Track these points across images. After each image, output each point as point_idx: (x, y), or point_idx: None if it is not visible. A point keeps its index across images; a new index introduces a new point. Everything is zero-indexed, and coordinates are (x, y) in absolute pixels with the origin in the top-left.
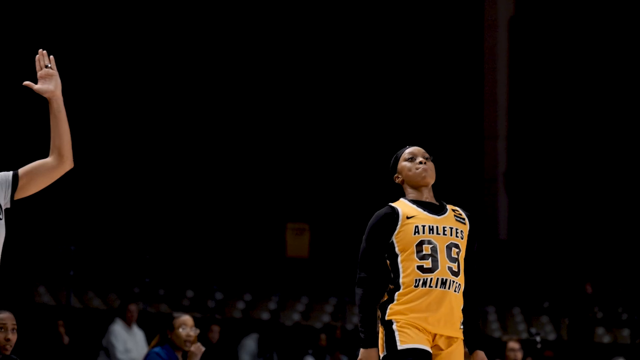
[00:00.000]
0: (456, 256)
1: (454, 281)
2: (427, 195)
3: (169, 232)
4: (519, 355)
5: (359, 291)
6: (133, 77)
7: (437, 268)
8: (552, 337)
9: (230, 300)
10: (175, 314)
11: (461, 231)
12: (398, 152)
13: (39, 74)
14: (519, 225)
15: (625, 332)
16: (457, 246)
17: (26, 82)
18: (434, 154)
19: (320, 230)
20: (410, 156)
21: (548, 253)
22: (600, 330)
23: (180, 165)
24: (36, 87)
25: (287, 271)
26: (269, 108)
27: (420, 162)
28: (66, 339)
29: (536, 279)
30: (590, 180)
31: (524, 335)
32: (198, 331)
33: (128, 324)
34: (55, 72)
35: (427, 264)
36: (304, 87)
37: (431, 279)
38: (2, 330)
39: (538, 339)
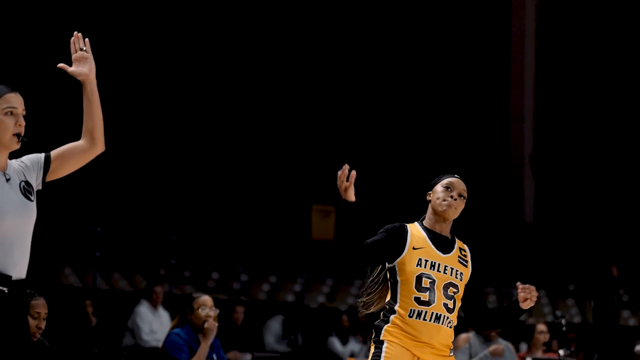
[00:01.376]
0: (452, 294)
1: (447, 317)
2: (443, 227)
3: (194, 214)
4: (547, 337)
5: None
6: (157, 61)
7: (433, 302)
8: (577, 320)
9: (255, 282)
10: (195, 295)
11: (461, 273)
12: (443, 175)
13: (73, 56)
14: (545, 207)
15: None
16: (454, 286)
17: (60, 65)
18: (462, 138)
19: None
20: (448, 185)
21: (574, 236)
22: (625, 313)
23: (207, 147)
24: (70, 69)
25: (313, 253)
26: (296, 90)
27: (452, 197)
28: (94, 320)
29: (562, 261)
30: (617, 162)
31: (549, 318)
32: (217, 311)
33: (154, 305)
34: (89, 55)
35: (425, 296)
36: (331, 70)
37: (426, 312)
38: (36, 318)
39: (563, 321)
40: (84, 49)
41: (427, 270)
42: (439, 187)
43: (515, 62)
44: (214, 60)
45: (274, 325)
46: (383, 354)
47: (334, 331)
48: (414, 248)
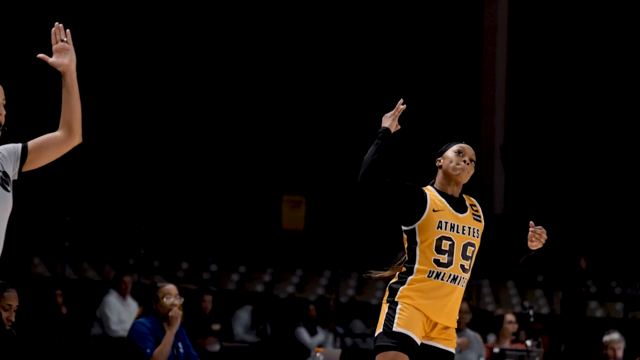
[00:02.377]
0: (470, 254)
1: (463, 277)
2: (454, 190)
3: (164, 203)
4: (515, 327)
5: (361, 171)
6: (128, 52)
7: (451, 264)
8: (545, 310)
9: (224, 272)
10: (159, 284)
11: (477, 230)
12: (451, 142)
13: (54, 47)
14: (515, 199)
15: (618, 307)
16: (472, 245)
17: (40, 55)
18: (431, 126)
19: (316, 203)
20: (459, 150)
21: (544, 227)
22: (593, 304)
23: (177, 137)
24: (50, 60)
25: (282, 244)
26: (264, 81)
27: (465, 161)
28: (64, 309)
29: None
30: (587, 154)
31: (517, 309)
32: (182, 300)
33: (122, 295)
34: (70, 46)
35: (444, 259)
36: (300, 60)
37: (444, 273)
38: (7, 310)
39: (531, 312)
40: (65, 40)
41: (448, 233)
42: (450, 153)
43: (487, 55)
44: (183, 51)
45: (243, 315)
46: (397, 315)
47: (302, 321)
48: (434, 210)
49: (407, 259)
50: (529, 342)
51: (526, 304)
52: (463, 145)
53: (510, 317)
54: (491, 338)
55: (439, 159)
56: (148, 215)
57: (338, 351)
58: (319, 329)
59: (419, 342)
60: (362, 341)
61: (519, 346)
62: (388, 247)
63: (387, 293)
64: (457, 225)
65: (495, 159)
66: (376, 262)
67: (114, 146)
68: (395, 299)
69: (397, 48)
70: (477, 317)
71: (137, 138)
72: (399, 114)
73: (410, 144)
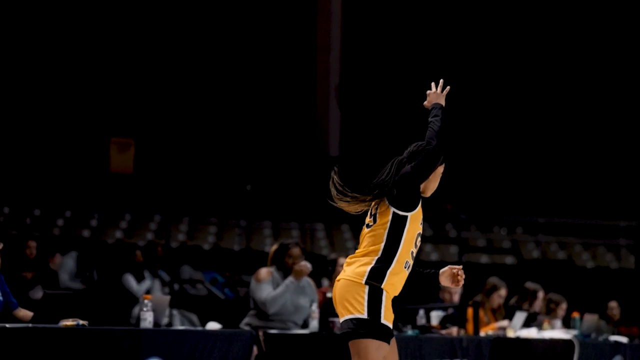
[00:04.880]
0: (419, 243)
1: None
2: None
3: None
4: None
5: (431, 151)
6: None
7: (414, 257)
8: None
9: (49, 217)
10: None
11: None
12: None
13: None
14: (351, 141)
15: (453, 249)
16: (420, 234)
17: None
18: (264, 70)
19: (146, 146)
20: (442, 170)
21: (378, 169)
22: (428, 247)
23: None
24: None
25: (110, 187)
26: (92, 28)
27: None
28: None
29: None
30: (422, 94)
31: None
32: (1, 245)
33: None
34: None
35: (414, 252)
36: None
37: (410, 265)
38: None
39: None
40: None
41: (420, 228)
42: (440, 171)
43: None
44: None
45: (68, 262)
46: (383, 305)
47: (129, 268)
48: (421, 205)
49: (385, 244)
50: None
51: None
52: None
53: (342, 260)
54: (325, 283)
55: None
56: None
57: (167, 298)
58: (146, 276)
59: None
60: (191, 287)
61: None
62: (221, 191)
63: (366, 274)
64: (422, 218)
65: (330, 100)
66: (208, 208)
67: None
68: (382, 286)
69: None
70: (310, 261)
71: None
72: (446, 93)
73: (244, 86)
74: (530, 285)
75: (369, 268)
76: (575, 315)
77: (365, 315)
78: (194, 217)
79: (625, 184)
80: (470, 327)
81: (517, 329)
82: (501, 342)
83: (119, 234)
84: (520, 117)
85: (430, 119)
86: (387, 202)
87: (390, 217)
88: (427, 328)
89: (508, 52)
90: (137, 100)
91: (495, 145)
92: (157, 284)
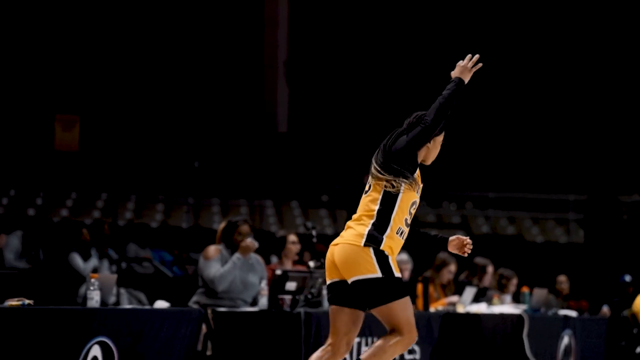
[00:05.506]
0: (413, 211)
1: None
2: None
3: None
4: (298, 248)
5: (436, 116)
6: None
7: (409, 224)
8: (329, 231)
9: None
10: None
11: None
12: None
13: None
14: (299, 116)
15: None
16: (416, 203)
17: None
18: (211, 46)
19: (92, 123)
20: (442, 140)
21: (327, 145)
22: None
23: None
24: None
25: (56, 165)
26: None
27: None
28: None
29: (315, 172)
30: (370, 69)
31: (301, 230)
32: None
33: None
34: None
35: (409, 220)
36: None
37: (405, 232)
38: None
39: (314, 232)
40: None
41: (417, 197)
42: (439, 140)
43: None
44: None
45: (13, 241)
46: (390, 261)
47: (76, 246)
48: (419, 173)
49: (378, 208)
50: (311, 263)
51: (309, 224)
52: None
53: (292, 237)
54: (274, 260)
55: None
56: None
57: (114, 276)
58: (93, 254)
59: None
60: (138, 265)
61: (302, 267)
62: (168, 168)
63: (364, 236)
64: (419, 189)
65: (278, 75)
66: (155, 185)
67: None
68: (381, 248)
69: None
70: (259, 238)
71: None
72: (475, 69)
73: (192, 60)
74: (479, 260)
75: (366, 231)
76: (525, 289)
77: (379, 274)
78: (141, 194)
79: (574, 158)
80: (420, 303)
81: (466, 304)
82: (451, 317)
83: (64, 213)
84: (469, 92)
85: (443, 91)
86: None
87: (383, 182)
88: None
89: (459, 28)
90: (82, 76)
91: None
92: (104, 263)
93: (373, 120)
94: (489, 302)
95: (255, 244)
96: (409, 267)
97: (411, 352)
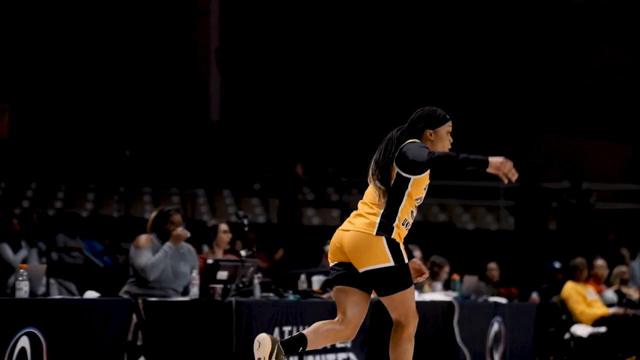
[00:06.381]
0: (417, 204)
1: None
2: None
3: None
4: (229, 237)
5: (438, 158)
6: None
7: (414, 216)
8: (262, 219)
9: None
10: None
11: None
12: (442, 113)
13: None
14: (232, 105)
15: (335, 213)
16: (421, 198)
17: None
18: (143, 33)
19: (22, 111)
20: (449, 130)
21: (259, 134)
22: (309, 212)
23: None
24: None
25: None
26: None
27: (450, 141)
28: None
29: (247, 160)
30: (303, 57)
31: (233, 218)
32: None
33: None
34: None
35: (414, 212)
36: None
37: (409, 223)
38: None
39: (245, 221)
40: None
41: (423, 193)
42: (444, 133)
43: None
44: None
45: None
46: (404, 255)
47: (5, 237)
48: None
49: (388, 200)
50: (243, 252)
51: (240, 212)
52: (450, 122)
53: (224, 226)
54: (205, 249)
55: (431, 130)
56: None
57: (43, 267)
58: (23, 244)
59: None
60: (67, 255)
61: (233, 257)
62: (99, 157)
63: (376, 225)
64: (427, 186)
65: (210, 63)
66: (85, 174)
67: None
68: (392, 236)
69: None
70: (191, 227)
71: None
72: (511, 176)
73: (124, 48)
74: (409, 247)
75: (377, 220)
76: (456, 277)
77: (392, 263)
78: (72, 184)
79: (504, 146)
80: None
81: None
82: (382, 305)
83: None
84: (375, 81)
85: (469, 155)
86: (394, 161)
87: (395, 175)
88: (309, 293)
89: (387, 15)
90: (11, 64)
91: (377, 107)
92: (33, 253)
93: (305, 109)
94: (420, 289)
95: (187, 233)
96: None
97: None
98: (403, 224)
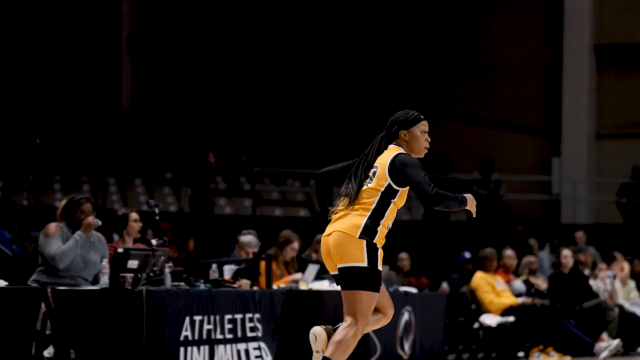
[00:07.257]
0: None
1: None
2: None
3: None
4: (140, 226)
5: (444, 198)
6: None
7: (393, 222)
8: (173, 208)
9: None
10: None
11: None
12: (414, 114)
13: None
14: (143, 93)
15: (247, 203)
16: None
17: None
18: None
19: None
20: (424, 129)
21: (171, 122)
22: (222, 201)
23: None
24: None
25: None
26: None
27: (426, 140)
28: None
29: (158, 149)
30: (215, 45)
31: (145, 207)
32: None
33: None
34: None
35: (394, 219)
36: None
37: (389, 228)
38: None
39: (157, 210)
40: None
41: (403, 202)
42: (418, 131)
43: None
44: None
45: None
46: (379, 259)
47: None
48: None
49: (376, 204)
50: (154, 241)
51: (151, 202)
52: (425, 121)
53: (134, 215)
54: (116, 238)
55: (404, 131)
56: None
57: None
58: None
59: None
60: None
61: (144, 246)
62: (8, 145)
63: (361, 228)
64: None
65: (122, 51)
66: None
67: None
68: (374, 241)
69: None
70: (101, 216)
71: None
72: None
73: (33, 33)
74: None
75: (362, 223)
76: None
77: (365, 264)
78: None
79: None
80: (263, 280)
81: (309, 281)
82: (293, 295)
83: None
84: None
85: (457, 194)
86: (386, 171)
87: (385, 184)
88: (219, 282)
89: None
90: None
91: (289, 97)
92: None
93: (217, 98)
94: (331, 279)
95: (98, 222)
96: (256, 250)
97: (253, 329)
98: (387, 228)
